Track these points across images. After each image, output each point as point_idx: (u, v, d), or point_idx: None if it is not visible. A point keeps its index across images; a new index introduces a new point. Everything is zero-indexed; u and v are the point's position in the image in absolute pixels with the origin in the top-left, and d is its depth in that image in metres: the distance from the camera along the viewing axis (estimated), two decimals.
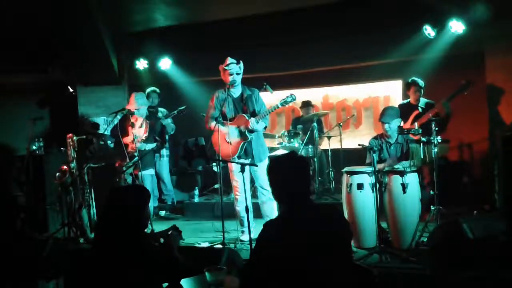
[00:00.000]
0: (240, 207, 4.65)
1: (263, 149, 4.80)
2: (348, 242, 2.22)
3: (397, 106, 5.52)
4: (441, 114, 5.20)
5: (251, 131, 4.65)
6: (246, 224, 4.36)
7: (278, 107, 4.72)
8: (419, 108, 5.48)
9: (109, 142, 5.57)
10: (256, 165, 4.52)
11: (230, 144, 4.68)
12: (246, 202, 4.16)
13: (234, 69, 4.63)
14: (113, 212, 2.28)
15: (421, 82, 5.56)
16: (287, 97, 4.64)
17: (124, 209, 2.26)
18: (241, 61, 4.71)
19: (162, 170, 6.30)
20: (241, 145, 4.66)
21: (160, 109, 6.32)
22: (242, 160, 4.61)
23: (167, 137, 6.32)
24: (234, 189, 4.79)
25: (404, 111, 5.30)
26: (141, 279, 2.15)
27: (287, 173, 2.22)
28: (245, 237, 4.60)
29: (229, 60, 4.67)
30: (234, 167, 4.67)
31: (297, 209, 2.16)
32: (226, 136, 4.69)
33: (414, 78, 5.64)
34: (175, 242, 2.55)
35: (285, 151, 6.28)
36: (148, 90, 6.45)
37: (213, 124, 4.67)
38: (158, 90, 6.50)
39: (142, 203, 2.32)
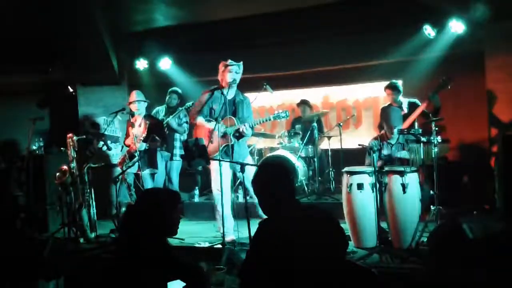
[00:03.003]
0: (220, 208, 4.61)
1: (247, 155, 4.83)
2: (339, 241, 2.22)
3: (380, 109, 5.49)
4: (429, 109, 5.19)
5: (238, 136, 4.62)
6: (227, 225, 4.47)
7: (269, 119, 4.73)
8: (402, 108, 5.44)
9: (109, 142, 5.56)
10: (256, 165, 4.50)
11: (212, 143, 4.65)
12: (246, 202, 4.17)
13: (234, 68, 4.61)
14: (139, 212, 2.27)
15: (398, 85, 5.50)
16: (281, 112, 4.61)
17: (150, 211, 2.24)
18: (241, 63, 4.67)
19: (173, 171, 6.26)
20: (221, 146, 4.59)
21: (179, 108, 6.31)
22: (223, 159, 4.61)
23: (181, 137, 6.32)
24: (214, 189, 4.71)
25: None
26: (153, 279, 2.14)
27: (267, 178, 2.24)
28: (230, 238, 4.58)
29: (230, 60, 4.65)
30: (215, 166, 4.60)
31: (284, 209, 2.17)
32: (210, 133, 4.65)
33: (392, 81, 5.59)
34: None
35: (285, 151, 6.30)
36: (169, 90, 6.44)
37: (199, 119, 4.71)
38: (179, 91, 6.47)
39: (168, 206, 2.30)
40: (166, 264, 2.18)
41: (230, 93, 4.71)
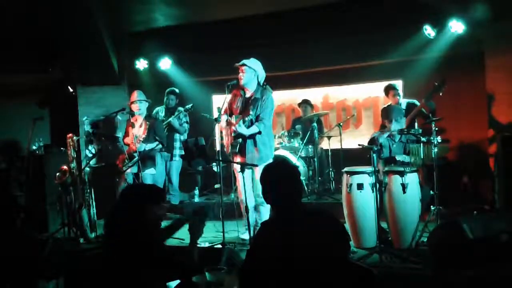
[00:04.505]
0: (242, 206, 4.66)
1: (260, 155, 4.61)
2: (341, 241, 2.22)
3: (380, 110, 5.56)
4: (426, 111, 5.22)
5: (237, 135, 4.61)
6: (247, 223, 4.40)
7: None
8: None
9: (120, 145, 5.53)
10: (256, 165, 4.48)
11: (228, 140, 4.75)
12: (246, 202, 4.19)
13: (245, 68, 4.62)
14: (123, 209, 2.26)
15: (397, 86, 5.63)
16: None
17: (131, 207, 2.23)
18: (255, 63, 4.68)
19: (172, 171, 6.31)
20: (230, 144, 4.68)
21: (179, 108, 6.33)
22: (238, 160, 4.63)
23: (180, 137, 6.37)
24: (238, 187, 4.82)
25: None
26: (151, 279, 2.14)
27: (278, 177, 2.26)
28: (246, 236, 4.60)
29: (243, 61, 4.65)
30: (235, 167, 4.68)
31: (288, 210, 2.17)
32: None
33: (390, 83, 5.69)
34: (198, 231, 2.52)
35: (285, 151, 6.30)
36: (167, 91, 6.49)
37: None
38: (177, 91, 6.52)
39: (152, 201, 2.29)
40: (157, 264, 2.17)
41: (249, 91, 4.71)
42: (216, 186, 6.41)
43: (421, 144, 4.42)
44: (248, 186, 4.44)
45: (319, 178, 6.42)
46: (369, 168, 4.32)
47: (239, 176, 4.58)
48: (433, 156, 4.35)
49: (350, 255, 4.08)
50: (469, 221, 3.58)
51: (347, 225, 4.47)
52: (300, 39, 6.70)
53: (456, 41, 5.88)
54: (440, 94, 5.08)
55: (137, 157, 5.13)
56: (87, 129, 6.08)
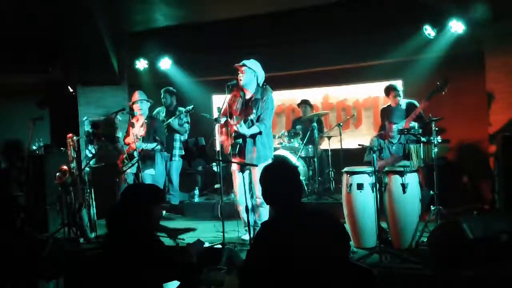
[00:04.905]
0: (240, 207, 4.65)
1: (258, 155, 4.61)
2: (341, 241, 2.22)
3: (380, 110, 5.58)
4: (425, 114, 5.22)
5: (238, 136, 4.62)
6: (247, 223, 4.40)
7: None
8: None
9: (120, 145, 5.55)
10: (255, 165, 4.47)
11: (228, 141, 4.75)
12: (246, 202, 4.19)
13: (244, 69, 4.62)
14: (123, 209, 2.27)
15: (398, 87, 5.63)
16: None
17: (134, 207, 2.24)
18: (255, 64, 4.68)
19: (172, 171, 6.32)
20: (230, 145, 4.67)
21: (180, 109, 6.35)
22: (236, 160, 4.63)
23: (180, 137, 6.39)
24: (235, 188, 4.82)
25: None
26: (151, 279, 2.14)
27: (277, 177, 2.26)
28: (246, 237, 4.60)
29: (243, 62, 4.65)
30: (233, 167, 4.68)
31: (288, 210, 2.17)
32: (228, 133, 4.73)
33: (391, 83, 5.69)
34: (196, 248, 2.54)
35: (285, 151, 6.30)
36: (162, 89, 6.53)
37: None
38: (171, 89, 6.55)
39: (152, 201, 2.31)
40: (157, 264, 2.18)
41: (249, 93, 4.71)
42: (216, 186, 6.41)
43: (421, 144, 4.42)
44: (247, 186, 4.44)
45: (319, 178, 6.42)
46: (369, 168, 4.32)
47: (238, 176, 4.58)
48: (433, 156, 4.35)
49: (350, 255, 4.08)
50: (469, 221, 3.58)
51: (347, 225, 4.46)
52: (300, 39, 6.69)
53: (456, 41, 5.88)
54: (443, 93, 5.07)
55: (137, 158, 5.13)
56: (87, 129, 6.09)
